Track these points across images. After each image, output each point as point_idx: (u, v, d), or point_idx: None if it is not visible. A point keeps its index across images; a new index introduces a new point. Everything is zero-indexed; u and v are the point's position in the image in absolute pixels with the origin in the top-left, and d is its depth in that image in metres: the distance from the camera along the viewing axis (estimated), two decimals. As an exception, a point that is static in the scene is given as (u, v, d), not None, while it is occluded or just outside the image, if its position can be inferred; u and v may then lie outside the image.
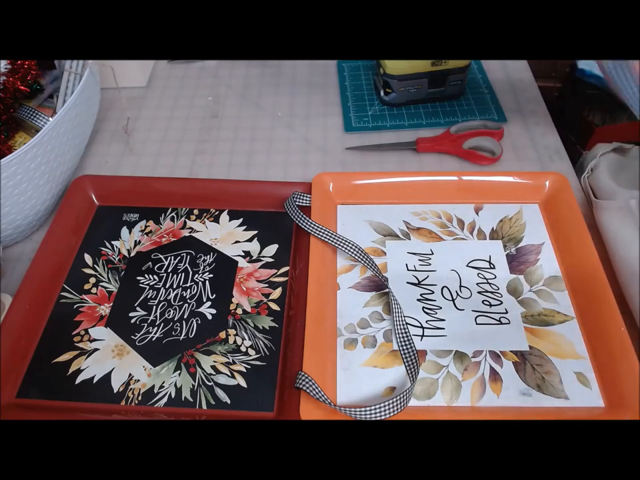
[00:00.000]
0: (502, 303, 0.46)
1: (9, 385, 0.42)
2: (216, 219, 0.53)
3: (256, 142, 0.62)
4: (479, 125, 0.60)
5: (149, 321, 0.46)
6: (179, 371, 0.43)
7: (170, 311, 0.46)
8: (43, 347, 0.44)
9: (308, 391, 0.38)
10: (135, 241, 0.51)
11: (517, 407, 0.40)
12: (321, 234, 0.48)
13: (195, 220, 0.53)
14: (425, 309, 0.45)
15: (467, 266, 0.48)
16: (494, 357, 0.42)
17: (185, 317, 0.46)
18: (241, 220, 0.53)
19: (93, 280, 0.49)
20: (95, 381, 0.42)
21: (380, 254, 0.49)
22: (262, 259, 0.50)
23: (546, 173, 0.54)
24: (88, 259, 0.50)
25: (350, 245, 0.47)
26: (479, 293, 0.46)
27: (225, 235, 0.52)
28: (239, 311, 0.46)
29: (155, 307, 0.47)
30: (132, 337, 0.45)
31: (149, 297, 0.47)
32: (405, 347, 0.43)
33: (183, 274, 0.49)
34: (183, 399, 0.41)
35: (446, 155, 0.60)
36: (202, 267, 0.49)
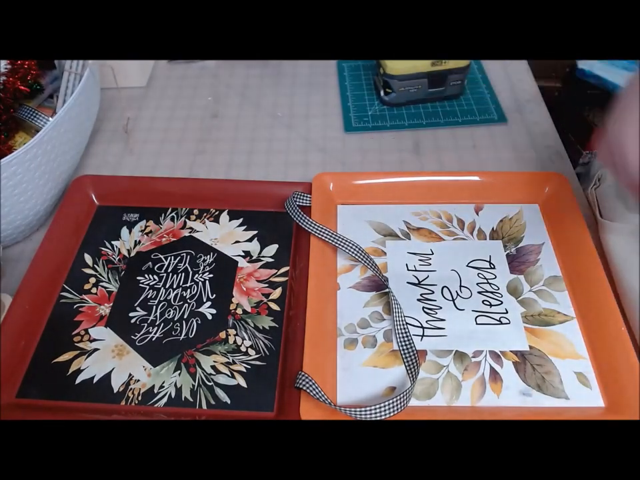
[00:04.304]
0: (502, 303, 0.45)
1: (9, 385, 0.42)
2: (216, 219, 0.53)
3: (256, 142, 0.62)
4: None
5: (148, 321, 0.46)
6: (179, 371, 0.43)
7: (170, 311, 0.46)
8: (42, 347, 0.44)
9: (308, 391, 0.38)
10: (135, 241, 0.51)
11: (516, 407, 0.40)
12: (321, 234, 0.48)
13: (195, 220, 0.53)
14: (425, 309, 0.45)
15: (467, 266, 0.48)
16: (494, 357, 0.42)
17: (185, 317, 0.46)
18: (241, 220, 0.53)
19: (93, 280, 0.49)
20: (94, 381, 0.42)
21: (380, 254, 0.49)
22: (262, 259, 0.50)
23: (546, 173, 0.54)
24: (88, 259, 0.50)
25: (350, 245, 0.47)
26: (479, 292, 0.46)
27: (225, 235, 0.52)
28: (239, 311, 0.46)
29: (154, 307, 0.47)
30: (132, 337, 0.45)
31: (149, 297, 0.47)
32: (405, 347, 0.43)
33: (183, 274, 0.49)
34: (182, 399, 0.41)
35: (446, 155, 0.60)
36: (202, 267, 0.49)
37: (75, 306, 0.47)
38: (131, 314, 0.46)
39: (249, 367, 0.43)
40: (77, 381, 0.42)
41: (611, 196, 0.48)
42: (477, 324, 0.44)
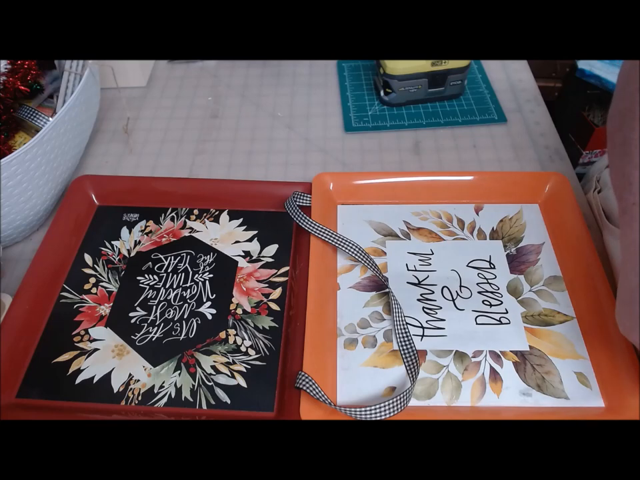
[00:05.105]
0: (502, 302, 0.45)
1: (9, 385, 0.42)
2: (216, 219, 0.53)
3: (256, 142, 0.62)
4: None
5: (148, 321, 0.46)
6: (179, 371, 0.43)
7: (170, 311, 0.46)
8: (43, 346, 0.44)
9: (308, 391, 0.38)
10: (135, 241, 0.51)
11: (516, 407, 0.40)
12: (321, 234, 0.48)
13: (195, 220, 0.53)
14: (425, 309, 0.45)
15: (467, 266, 0.48)
16: (494, 357, 0.42)
17: (185, 317, 0.46)
18: (241, 220, 0.53)
19: (92, 280, 0.49)
20: (94, 381, 0.42)
21: (380, 254, 0.49)
22: (262, 259, 0.50)
23: (546, 173, 0.54)
24: (88, 259, 0.50)
25: (350, 245, 0.47)
26: (479, 292, 0.46)
27: (225, 235, 0.52)
28: (239, 311, 0.46)
29: (155, 307, 0.47)
30: (132, 336, 0.45)
31: (149, 297, 0.47)
32: (405, 347, 0.43)
33: (183, 274, 0.49)
34: (182, 399, 0.41)
35: (446, 155, 0.60)
36: (202, 267, 0.49)
37: (75, 306, 0.47)
38: (131, 314, 0.46)
39: (249, 366, 0.43)
40: (77, 381, 0.42)
41: (614, 203, 0.47)
42: (477, 324, 0.44)
